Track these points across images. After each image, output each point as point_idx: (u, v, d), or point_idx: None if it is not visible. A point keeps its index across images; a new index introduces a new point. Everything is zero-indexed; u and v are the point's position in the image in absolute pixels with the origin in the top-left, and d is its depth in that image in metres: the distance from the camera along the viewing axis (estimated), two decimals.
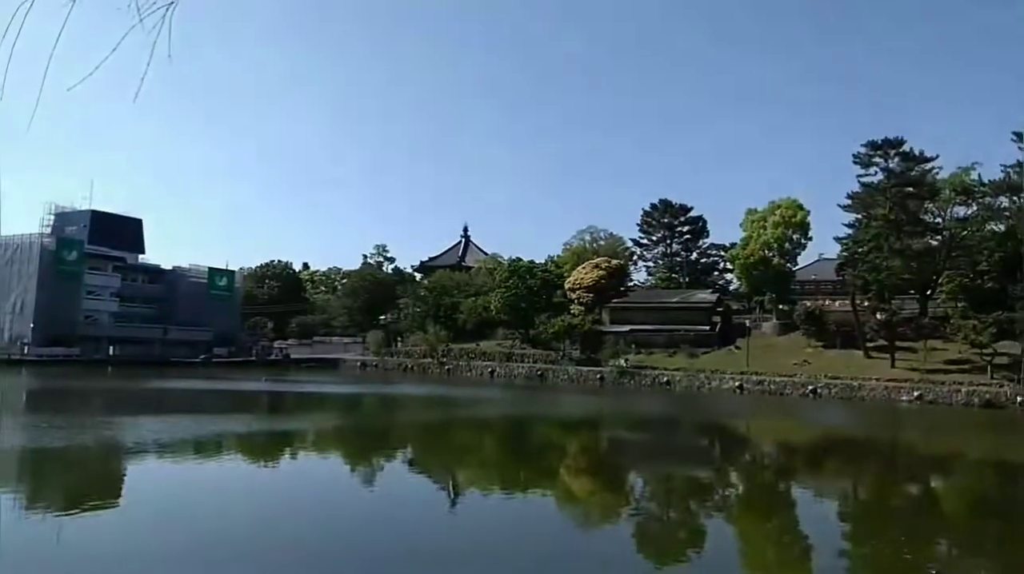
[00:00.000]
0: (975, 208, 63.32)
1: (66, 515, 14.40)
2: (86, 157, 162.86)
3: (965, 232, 63.69)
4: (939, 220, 66.16)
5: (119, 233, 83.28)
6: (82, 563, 11.39)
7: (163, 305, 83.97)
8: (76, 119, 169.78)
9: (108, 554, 11.78)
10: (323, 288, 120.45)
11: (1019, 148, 57.95)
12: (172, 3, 4.34)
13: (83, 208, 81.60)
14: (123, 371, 61.90)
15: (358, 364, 79.17)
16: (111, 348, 74.36)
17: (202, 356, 76.30)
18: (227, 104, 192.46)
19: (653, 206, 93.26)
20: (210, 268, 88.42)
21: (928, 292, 66.36)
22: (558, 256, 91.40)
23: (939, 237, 65.75)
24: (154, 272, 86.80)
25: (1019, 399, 48.40)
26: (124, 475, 19.40)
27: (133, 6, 4.29)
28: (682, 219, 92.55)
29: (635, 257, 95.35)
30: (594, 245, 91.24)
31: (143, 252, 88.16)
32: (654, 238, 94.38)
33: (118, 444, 23.25)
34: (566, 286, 79.04)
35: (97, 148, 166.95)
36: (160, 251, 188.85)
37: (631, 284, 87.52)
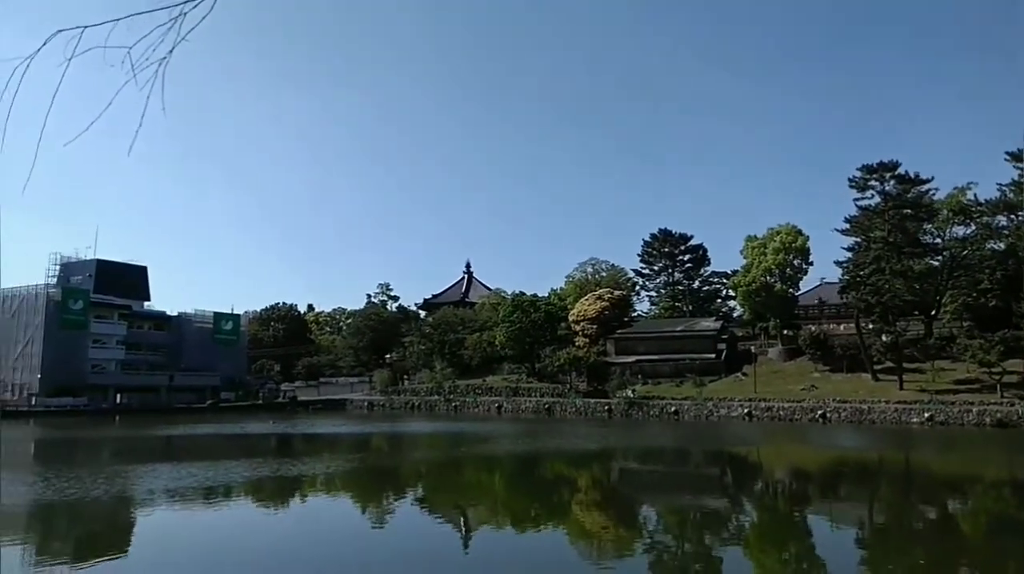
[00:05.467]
0: (974, 228, 63.61)
1: (75, 565, 14.32)
2: (90, 207, 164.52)
3: (965, 251, 63.87)
4: (939, 240, 66.44)
5: (124, 281, 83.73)
6: None
7: (169, 351, 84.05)
8: (80, 170, 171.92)
9: None
10: (328, 329, 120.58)
11: (1014, 167, 58.42)
12: (164, 59, 4.46)
13: (88, 258, 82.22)
14: (130, 419, 61.73)
15: (365, 404, 78.84)
16: (118, 397, 74.26)
17: (209, 401, 76.11)
18: (229, 150, 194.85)
19: (653, 236, 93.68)
20: (215, 313, 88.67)
21: (932, 312, 66.30)
22: (561, 289, 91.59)
23: (940, 257, 65.94)
24: (160, 319, 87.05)
25: None
26: (133, 524, 19.30)
27: (127, 62, 4.41)
28: (683, 248, 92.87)
29: (637, 287, 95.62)
30: (596, 277, 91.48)
31: (148, 299, 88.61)
32: (656, 268, 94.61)
33: (126, 494, 23.14)
34: (570, 318, 79.07)
35: (102, 198, 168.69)
36: (165, 298, 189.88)
37: (635, 314, 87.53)
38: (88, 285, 79.03)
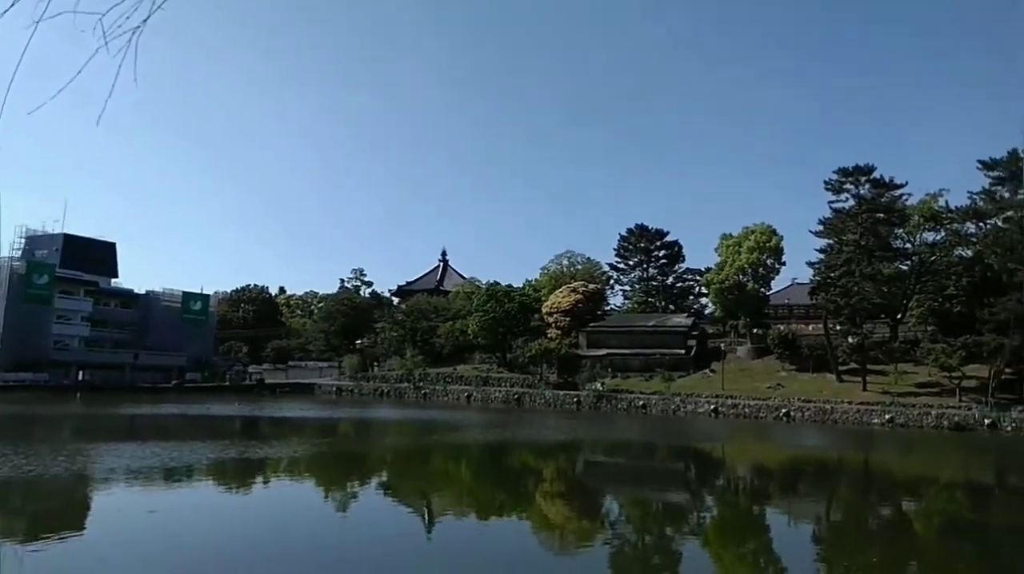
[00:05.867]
0: (943, 234, 64.72)
1: (30, 544, 14.05)
2: (59, 179, 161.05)
3: (934, 257, 65.02)
4: (909, 245, 67.53)
5: (92, 257, 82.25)
6: None
7: (136, 330, 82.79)
8: (50, 141, 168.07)
9: None
10: (299, 312, 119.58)
11: (985, 175, 59.53)
12: (139, 28, 4.34)
13: (55, 231, 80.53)
14: (93, 397, 60.74)
15: (334, 389, 78.37)
16: (80, 374, 73.01)
17: (174, 382, 75.15)
18: (203, 128, 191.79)
19: (630, 231, 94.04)
20: (184, 292, 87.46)
21: (899, 316, 67.50)
22: (535, 280, 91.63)
23: (909, 262, 67.05)
24: (127, 296, 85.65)
25: (987, 421, 49.17)
26: (91, 503, 19.00)
27: (99, 29, 4.27)
28: (658, 244, 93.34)
29: (612, 281, 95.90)
30: (571, 269, 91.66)
31: (116, 276, 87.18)
32: (631, 263, 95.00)
33: (86, 472, 22.78)
34: (543, 310, 79.21)
35: (71, 171, 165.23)
36: (134, 276, 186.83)
37: (608, 308, 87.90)
38: (54, 259, 77.46)
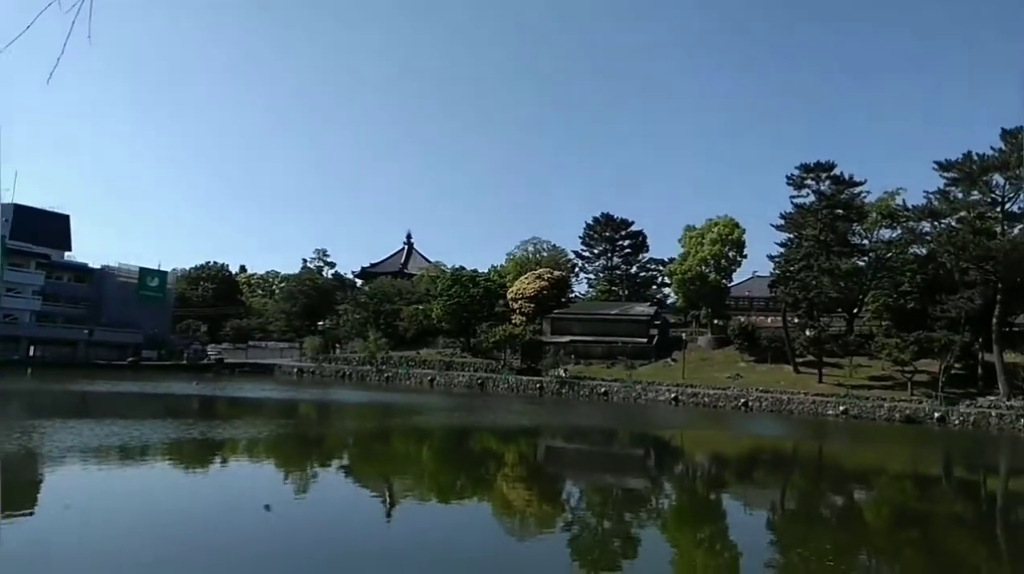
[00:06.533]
0: (899, 232, 66.27)
1: None
2: (9, 146, 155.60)
3: (890, 254, 66.60)
4: (866, 242, 69.11)
5: (44, 229, 79.62)
6: None
7: (90, 305, 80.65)
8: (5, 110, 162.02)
9: (22, 561, 11.20)
10: (260, 292, 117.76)
11: (940, 176, 60.98)
12: None
13: (5, 202, 77.74)
14: (44, 373, 59.09)
15: (294, 370, 77.51)
16: (31, 349, 70.96)
17: (130, 359, 73.47)
18: (164, 95, 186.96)
19: (596, 220, 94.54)
20: (141, 268, 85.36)
21: (855, 311, 69.10)
22: (501, 266, 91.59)
23: (866, 258, 68.61)
24: (81, 271, 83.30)
25: (936, 415, 50.71)
26: (41, 482, 18.51)
27: None
28: (623, 234, 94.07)
29: (577, 269, 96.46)
30: (537, 256, 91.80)
31: (70, 250, 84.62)
32: (596, 251, 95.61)
33: (36, 449, 22.16)
34: (508, 296, 79.25)
35: (22, 138, 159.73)
36: (90, 250, 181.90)
37: (572, 296, 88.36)
38: (4, 231, 74.74)
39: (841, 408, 53.23)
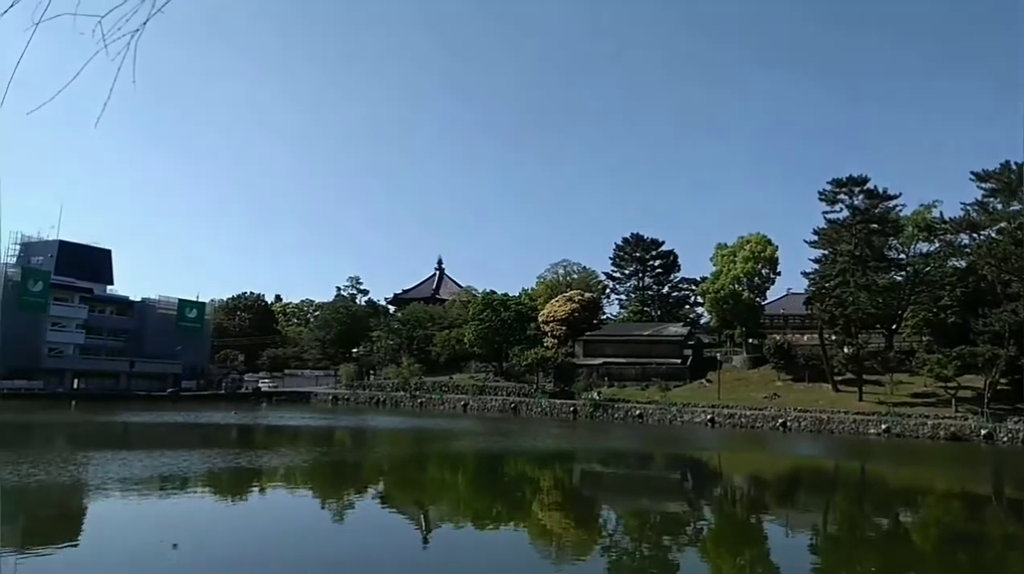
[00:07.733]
0: (937, 245, 64.96)
1: (22, 554, 13.97)
2: (56, 184, 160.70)
3: (928, 268, 65.25)
4: (903, 256, 67.79)
5: (87, 264, 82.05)
6: None
7: (131, 337, 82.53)
8: (46, 145, 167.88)
9: None
10: (295, 320, 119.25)
11: (978, 187, 59.85)
12: (138, 31, 4.35)
13: (50, 238, 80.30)
14: (87, 405, 60.47)
15: (330, 397, 78.20)
16: (75, 381, 72.70)
17: (169, 390, 74.87)
18: (200, 136, 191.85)
19: (625, 240, 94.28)
20: (180, 300, 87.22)
21: (894, 326, 67.64)
22: (532, 289, 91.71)
23: (903, 273, 67.28)
24: (122, 304, 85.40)
25: (983, 432, 49.24)
26: (85, 513, 18.92)
27: (98, 32, 4.26)
28: (654, 253, 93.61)
29: (608, 290, 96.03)
30: (567, 278, 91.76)
31: (111, 283, 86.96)
32: (626, 272, 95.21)
33: (80, 481, 22.68)
34: (539, 319, 79.23)
35: (69, 177, 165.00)
36: (130, 283, 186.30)
37: (604, 317, 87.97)
38: (49, 266, 77.18)
39: (883, 426, 51.98)
